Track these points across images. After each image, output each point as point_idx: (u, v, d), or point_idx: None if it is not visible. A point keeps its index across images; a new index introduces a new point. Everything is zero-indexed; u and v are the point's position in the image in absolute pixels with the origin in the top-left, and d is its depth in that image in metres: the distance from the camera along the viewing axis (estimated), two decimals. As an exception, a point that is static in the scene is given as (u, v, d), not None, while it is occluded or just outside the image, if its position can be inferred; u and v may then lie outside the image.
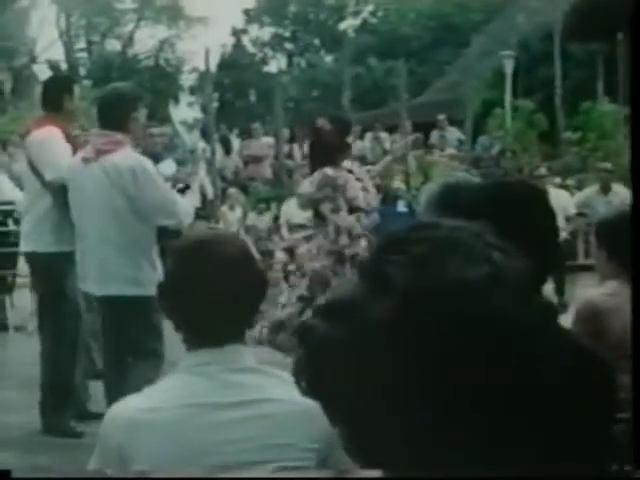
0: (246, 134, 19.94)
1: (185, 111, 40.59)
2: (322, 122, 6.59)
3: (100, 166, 5.56)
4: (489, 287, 1.21)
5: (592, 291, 4.35)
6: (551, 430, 1.18)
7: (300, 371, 1.25)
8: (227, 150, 18.14)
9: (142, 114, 6.02)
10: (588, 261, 10.93)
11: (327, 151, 6.59)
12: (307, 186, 6.80)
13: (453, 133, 19.28)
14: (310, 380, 1.24)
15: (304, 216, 12.87)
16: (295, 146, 18.49)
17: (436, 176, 15.50)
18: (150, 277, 5.29)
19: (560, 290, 9.92)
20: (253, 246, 13.72)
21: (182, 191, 10.81)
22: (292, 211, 13.14)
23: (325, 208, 6.75)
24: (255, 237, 14.07)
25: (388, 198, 11.75)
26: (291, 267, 11.28)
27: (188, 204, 6.33)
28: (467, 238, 1.27)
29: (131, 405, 2.43)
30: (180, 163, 16.45)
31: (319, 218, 6.93)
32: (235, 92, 38.78)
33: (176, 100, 37.11)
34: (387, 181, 12.18)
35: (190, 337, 2.45)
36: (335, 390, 1.21)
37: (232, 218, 14.51)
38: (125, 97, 5.90)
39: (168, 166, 11.03)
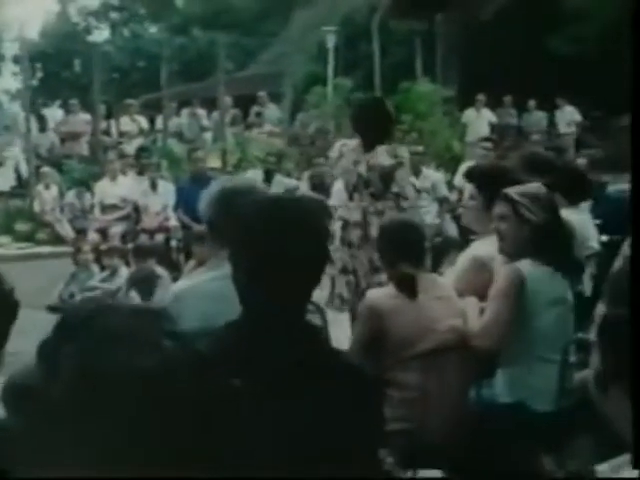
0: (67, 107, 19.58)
1: (9, 80, 39.43)
2: None
3: None
4: (157, 374, 1.28)
5: (374, 292, 4.49)
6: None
7: None
8: (42, 127, 17.76)
9: None
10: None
11: None
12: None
13: (273, 110, 19.30)
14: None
15: (118, 196, 12.79)
16: (112, 122, 18.24)
17: (254, 153, 15.54)
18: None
19: None
20: (68, 225, 13.54)
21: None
22: (105, 191, 12.97)
23: None
24: (72, 215, 13.86)
25: (200, 177, 11.65)
26: (103, 247, 11.24)
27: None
28: (141, 326, 1.33)
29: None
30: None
31: None
32: (60, 62, 37.81)
33: (-2, 71, 35.96)
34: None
35: None
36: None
37: (48, 197, 14.25)
38: None
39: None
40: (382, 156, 7.07)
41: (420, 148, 11.81)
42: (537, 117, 20.23)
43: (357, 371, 2.72)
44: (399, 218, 5.50)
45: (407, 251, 4.41)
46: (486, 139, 12.95)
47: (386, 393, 4.27)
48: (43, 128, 17.74)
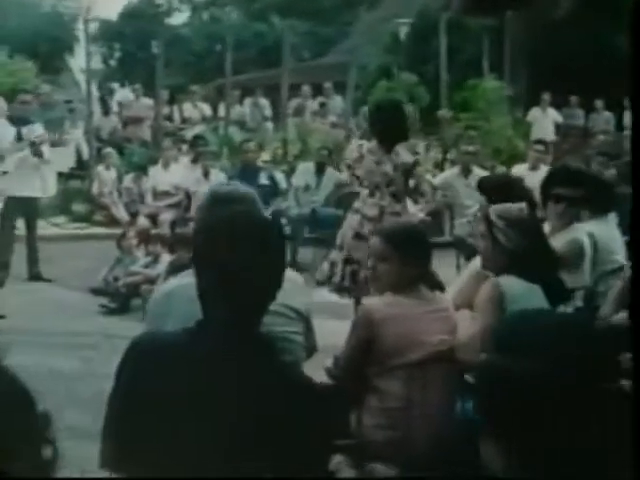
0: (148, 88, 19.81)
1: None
2: None
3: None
4: None
5: (371, 300, 4.49)
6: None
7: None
8: (105, 111, 18.00)
9: None
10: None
11: None
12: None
13: (338, 101, 19.29)
14: None
15: (170, 182, 12.92)
16: (175, 108, 18.40)
17: (315, 144, 15.54)
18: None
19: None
20: (124, 208, 13.72)
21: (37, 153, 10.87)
22: (158, 177, 13.11)
23: None
24: (128, 199, 14.05)
25: (250, 168, 11.74)
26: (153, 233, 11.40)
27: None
28: None
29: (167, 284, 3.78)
30: (57, 122, 16.37)
31: None
32: (137, 44, 38.22)
33: (71, 50, 36.39)
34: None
35: None
36: None
37: (107, 178, 14.43)
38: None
39: (31, 130, 11.06)
40: (405, 154, 7.32)
41: (471, 148, 11.69)
42: (604, 118, 19.95)
43: (303, 385, 2.75)
44: (401, 224, 5.43)
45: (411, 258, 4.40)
46: (538, 141, 12.81)
47: (366, 401, 4.31)
48: (106, 112, 18.00)
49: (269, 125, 18.43)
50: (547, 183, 5.86)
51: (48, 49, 31.65)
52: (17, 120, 11.05)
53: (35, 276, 11.13)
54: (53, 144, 13.87)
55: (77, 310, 9.86)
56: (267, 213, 11.55)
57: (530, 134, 18.09)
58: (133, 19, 37.71)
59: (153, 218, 12.31)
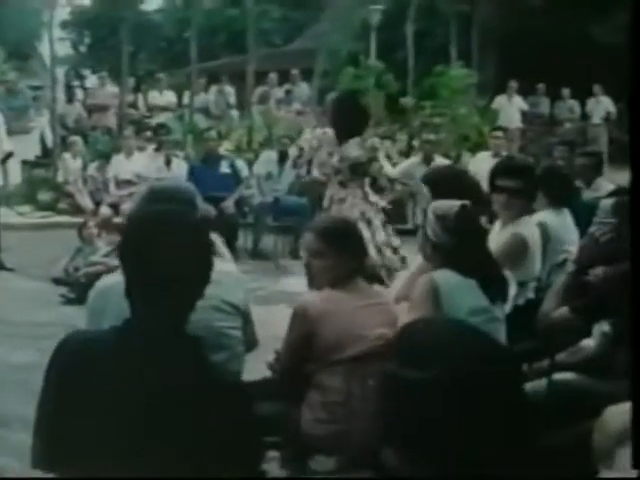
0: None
1: (56, 46, 39.67)
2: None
3: None
4: None
5: (307, 296, 4.50)
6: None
7: None
8: (70, 98, 17.90)
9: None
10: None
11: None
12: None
13: (304, 88, 19.25)
14: None
15: (132, 171, 12.89)
16: (140, 96, 18.31)
17: (280, 132, 15.52)
18: None
19: None
20: (89, 197, 13.67)
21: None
22: (121, 166, 13.07)
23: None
24: (93, 188, 13.99)
25: (212, 157, 11.72)
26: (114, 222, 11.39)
27: None
28: None
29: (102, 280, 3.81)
30: (22, 110, 16.30)
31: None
32: (108, 30, 37.92)
33: (39, 37, 36.08)
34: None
35: None
36: None
37: (73, 166, 14.37)
38: None
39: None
40: (352, 148, 7.39)
41: (432, 136, 11.75)
42: (570, 106, 20.01)
43: (228, 384, 2.78)
44: (333, 219, 5.39)
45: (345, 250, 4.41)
46: (497, 128, 12.87)
47: (307, 396, 4.33)
48: (70, 99, 17.89)
49: (234, 113, 18.37)
50: (492, 175, 5.89)
51: (16, 36, 31.36)
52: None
53: None
54: (17, 132, 13.87)
55: (38, 300, 9.83)
56: (228, 201, 11.61)
57: (497, 122, 18.13)
58: (105, 5, 37.37)
59: (115, 207, 12.27)
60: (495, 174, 5.88)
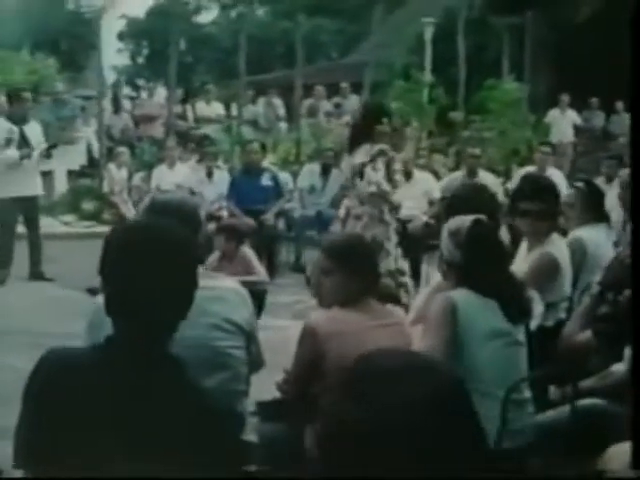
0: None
1: (115, 57, 40.09)
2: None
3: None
4: None
5: (316, 314, 4.30)
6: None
7: None
8: (116, 109, 17.91)
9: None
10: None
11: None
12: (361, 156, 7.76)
13: (354, 101, 19.13)
14: None
15: (173, 182, 12.82)
16: (188, 107, 18.29)
17: (329, 145, 15.39)
18: None
19: None
20: (133, 207, 13.64)
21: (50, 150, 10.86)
22: (162, 176, 13.03)
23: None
24: (138, 198, 13.96)
25: (252, 169, 11.61)
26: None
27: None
28: None
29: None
30: (69, 120, 16.36)
31: None
32: (165, 41, 38.15)
33: (93, 47, 36.34)
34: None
35: None
36: None
37: (118, 177, 14.35)
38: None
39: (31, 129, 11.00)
40: (357, 156, 7.38)
41: (477, 150, 11.53)
42: (624, 120, 19.63)
43: (208, 406, 2.66)
44: (344, 237, 5.16)
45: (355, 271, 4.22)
46: (544, 143, 12.60)
47: (315, 420, 4.13)
48: (117, 110, 17.91)
49: (283, 125, 18.32)
50: (512, 199, 5.69)
51: (70, 46, 31.61)
52: (15, 118, 10.97)
53: (36, 275, 11.07)
54: (64, 142, 13.91)
55: (72, 311, 9.76)
56: (268, 214, 11.48)
57: (549, 136, 17.89)
58: (160, 17, 37.63)
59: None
60: (516, 198, 5.67)
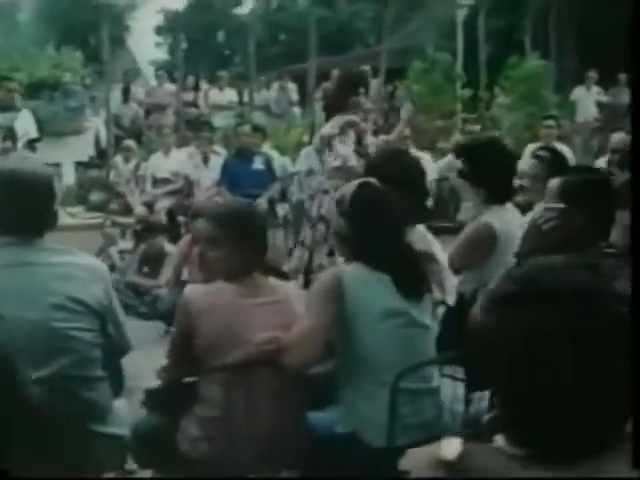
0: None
1: (154, 51, 40.01)
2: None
3: None
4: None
5: (191, 288, 3.84)
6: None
7: None
8: (125, 98, 17.64)
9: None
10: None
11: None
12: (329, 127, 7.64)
13: (374, 85, 18.69)
14: None
15: (169, 169, 12.51)
16: (201, 94, 17.98)
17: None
18: None
19: None
20: (139, 196, 13.36)
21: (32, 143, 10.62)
22: (158, 164, 12.74)
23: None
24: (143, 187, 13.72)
25: (245, 153, 11.24)
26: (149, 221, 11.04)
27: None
28: None
29: None
30: (77, 110, 16.16)
31: None
32: (204, 33, 38.01)
33: (120, 42, 36.15)
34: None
35: None
36: None
37: (124, 170, 14.10)
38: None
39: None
40: (328, 126, 7.31)
41: (477, 127, 11.11)
42: (654, 96, 19.00)
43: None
44: (232, 204, 4.52)
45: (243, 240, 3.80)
46: (548, 117, 12.06)
47: (190, 410, 3.74)
48: (126, 99, 17.63)
49: (296, 110, 17.93)
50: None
51: (98, 40, 31.38)
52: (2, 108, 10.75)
53: None
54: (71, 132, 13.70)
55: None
56: (261, 199, 11.11)
57: (575, 114, 17.39)
58: (200, 10, 37.47)
59: (150, 206, 11.90)
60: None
